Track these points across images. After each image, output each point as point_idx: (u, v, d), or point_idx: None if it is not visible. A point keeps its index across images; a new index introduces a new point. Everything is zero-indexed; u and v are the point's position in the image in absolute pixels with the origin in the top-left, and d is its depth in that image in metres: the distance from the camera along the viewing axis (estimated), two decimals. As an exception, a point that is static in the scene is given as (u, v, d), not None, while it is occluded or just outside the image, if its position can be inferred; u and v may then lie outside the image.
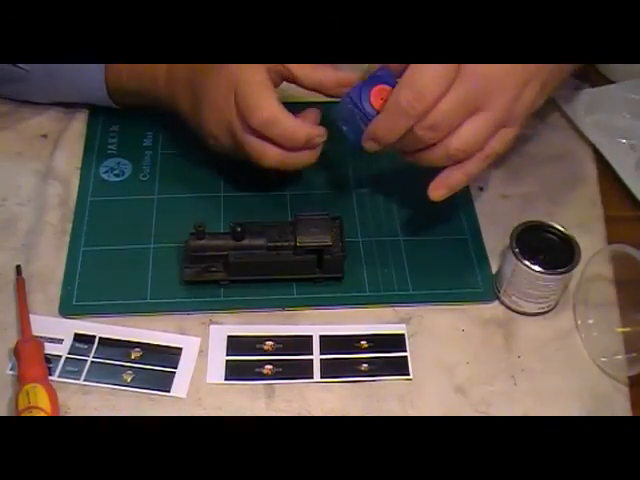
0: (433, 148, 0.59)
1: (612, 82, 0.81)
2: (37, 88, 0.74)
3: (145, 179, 0.73)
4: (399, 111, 0.57)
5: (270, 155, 0.64)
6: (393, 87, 0.59)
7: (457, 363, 0.62)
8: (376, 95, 0.60)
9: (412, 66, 0.57)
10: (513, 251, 0.62)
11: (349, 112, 0.61)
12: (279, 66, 0.65)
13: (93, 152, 0.74)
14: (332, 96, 0.65)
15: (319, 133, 0.64)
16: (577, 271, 0.63)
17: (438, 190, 0.62)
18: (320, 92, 0.66)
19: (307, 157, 0.65)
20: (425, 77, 0.56)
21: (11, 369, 0.60)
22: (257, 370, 0.61)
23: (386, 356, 0.62)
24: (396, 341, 0.63)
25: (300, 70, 0.65)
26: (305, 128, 0.63)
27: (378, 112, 0.60)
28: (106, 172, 0.73)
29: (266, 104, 0.62)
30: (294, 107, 0.66)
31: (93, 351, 0.62)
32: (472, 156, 0.60)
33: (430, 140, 0.59)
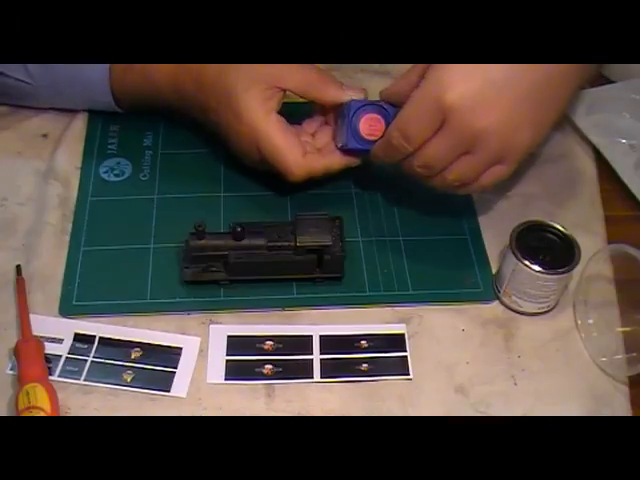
0: (431, 178, 0.64)
1: (612, 82, 0.81)
2: (44, 102, 0.75)
3: (145, 179, 0.72)
4: (392, 147, 0.63)
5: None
6: (386, 120, 0.65)
7: (457, 363, 0.62)
8: (365, 123, 0.65)
9: (402, 111, 0.61)
10: (513, 251, 0.62)
11: (343, 115, 0.66)
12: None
13: (93, 152, 0.74)
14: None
15: (354, 161, 0.69)
16: (577, 271, 0.63)
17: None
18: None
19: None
20: (412, 123, 0.61)
21: (11, 369, 0.60)
22: (257, 370, 0.61)
23: (386, 356, 0.62)
24: (396, 341, 0.63)
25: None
26: (341, 161, 0.68)
27: (360, 136, 0.65)
28: (106, 172, 0.73)
29: (295, 164, 0.66)
30: (294, 107, 0.67)
31: (93, 351, 0.62)
32: (467, 185, 0.63)
33: (427, 174, 0.63)
